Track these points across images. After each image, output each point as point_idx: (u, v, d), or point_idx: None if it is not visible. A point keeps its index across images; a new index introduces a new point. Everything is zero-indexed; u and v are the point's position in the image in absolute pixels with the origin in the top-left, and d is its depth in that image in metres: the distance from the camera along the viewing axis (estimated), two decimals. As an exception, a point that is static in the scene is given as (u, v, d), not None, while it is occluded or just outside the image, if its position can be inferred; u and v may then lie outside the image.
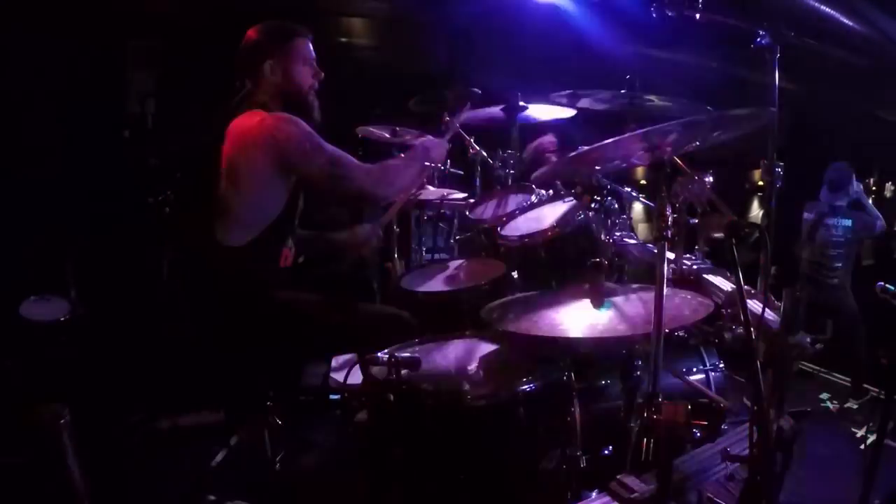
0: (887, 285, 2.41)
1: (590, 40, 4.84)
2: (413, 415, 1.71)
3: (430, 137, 2.52)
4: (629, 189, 2.66)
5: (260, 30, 2.19)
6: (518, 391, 1.71)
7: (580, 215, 2.30)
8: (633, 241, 2.44)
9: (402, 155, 2.47)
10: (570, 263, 2.22)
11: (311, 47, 2.24)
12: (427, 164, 2.37)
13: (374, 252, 2.91)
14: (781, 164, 2.42)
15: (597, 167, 1.98)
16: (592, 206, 2.36)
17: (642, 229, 4.47)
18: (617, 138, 1.45)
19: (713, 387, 2.14)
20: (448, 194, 3.65)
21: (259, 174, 2.07)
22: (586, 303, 1.76)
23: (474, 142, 3.62)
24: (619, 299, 1.79)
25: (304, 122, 2.12)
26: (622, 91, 2.68)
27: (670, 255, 2.16)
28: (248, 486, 2.20)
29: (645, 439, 1.23)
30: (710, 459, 1.50)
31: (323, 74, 2.25)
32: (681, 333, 2.22)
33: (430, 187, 3.76)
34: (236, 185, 2.10)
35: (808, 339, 1.64)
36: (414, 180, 2.40)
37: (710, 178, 2.22)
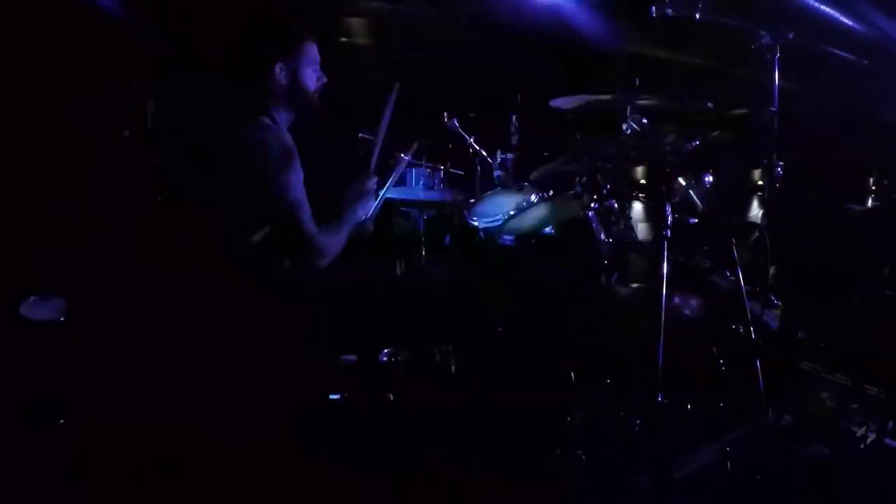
0: (885, 290, 2.44)
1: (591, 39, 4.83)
2: (413, 414, 1.71)
3: (352, 187, 2.32)
4: (629, 188, 2.66)
5: (270, 32, 2.21)
6: (518, 390, 1.72)
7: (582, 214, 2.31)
8: (633, 241, 2.44)
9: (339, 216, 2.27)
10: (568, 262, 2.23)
11: (317, 50, 2.25)
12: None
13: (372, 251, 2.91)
14: (781, 163, 2.43)
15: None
16: (592, 205, 2.37)
17: (642, 229, 4.46)
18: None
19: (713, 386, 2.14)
20: (448, 195, 3.65)
21: (251, 180, 2.08)
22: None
23: (474, 142, 3.62)
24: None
25: (293, 151, 2.10)
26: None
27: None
28: (249, 486, 2.20)
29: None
30: (710, 459, 1.51)
31: (326, 79, 2.26)
32: (680, 332, 2.23)
33: (431, 187, 3.77)
34: (235, 186, 2.10)
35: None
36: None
37: (710, 178, 2.23)
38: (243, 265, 2.11)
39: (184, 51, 4.63)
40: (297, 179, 2.08)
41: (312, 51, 2.23)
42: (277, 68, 2.15)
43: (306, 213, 2.10)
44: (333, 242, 2.19)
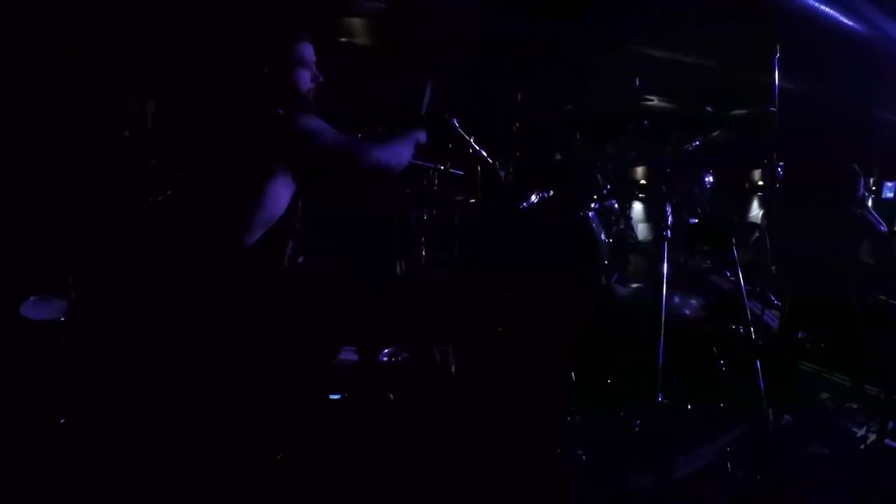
0: (880, 297, 2.45)
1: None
2: (412, 414, 1.71)
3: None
4: (629, 189, 2.66)
5: (258, 34, 2.17)
6: (518, 391, 1.72)
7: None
8: (633, 241, 2.44)
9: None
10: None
11: (311, 50, 2.20)
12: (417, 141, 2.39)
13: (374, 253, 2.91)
14: (781, 163, 2.43)
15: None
16: (592, 205, 2.37)
17: (642, 229, 4.47)
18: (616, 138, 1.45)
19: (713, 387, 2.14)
20: (448, 195, 3.65)
21: (267, 173, 2.06)
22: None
23: (474, 142, 3.62)
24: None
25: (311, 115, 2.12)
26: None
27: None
28: (249, 486, 2.20)
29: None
30: (710, 459, 1.50)
31: (322, 79, 2.22)
32: (681, 333, 2.22)
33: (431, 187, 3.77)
34: (241, 185, 2.09)
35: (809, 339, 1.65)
36: (409, 156, 2.38)
37: (710, 178, 2.23)
38: (240, 265, 2.10)
39: (182, 50, 4.64)
40: (328, 128, 2.10)
41: (305, 51, 2.18)
42: (267, 70, 2.12)
43: (355, 140, 2.18)
44: (399, 147, 2.27)
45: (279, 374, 2.21)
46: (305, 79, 2.19)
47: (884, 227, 4.68)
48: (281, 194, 2.12)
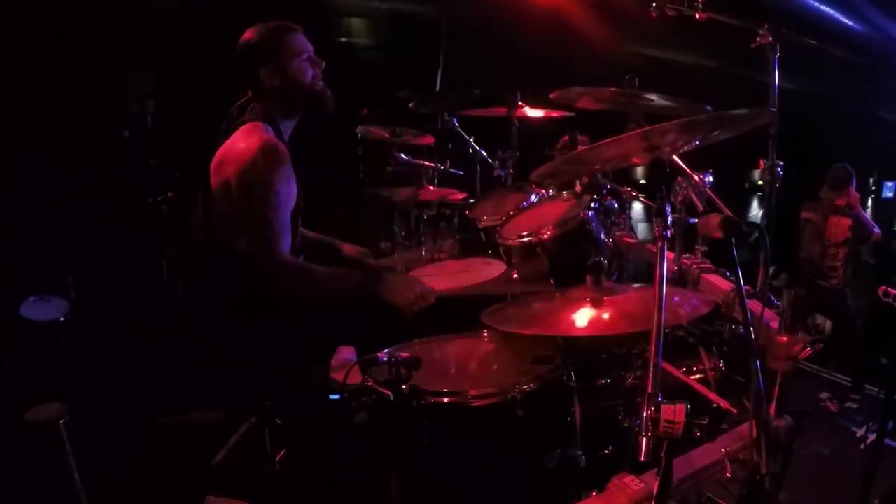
0: (889, 289, 2.43)
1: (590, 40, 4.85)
2: (413, 415, 1.71)
3: (409, 276, 2.21)
4: (629, 188, 2.66)
5: (247, 37, 2.11)
6: (518, 391, 1.71)
7: (579, 215, 2.30)
8: (633, 241, 2.44)
9: (353, 272, 2.18)
10: (569, 263, 2.22)
11: (304, 38, 2.14)
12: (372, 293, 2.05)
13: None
14: (781, 163, 2.43)
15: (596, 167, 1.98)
16: (592, 205, 2.36)
17: (642, 229, 4.47)
18: (616, 137, 1.45)
19: (713, 386, 2.14)
20: (448, 194, 3.66)
21: (231, 187, 2.04)
22: (586, 302, 1.76)
23: (474, 142, 3.62)
24: (619, 297, 1.79)
25: (282, 169, 2.00)
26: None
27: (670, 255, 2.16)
28: (248, 486, 2.20)
29: (644, 439, 1.22)
30: (710, 459, 1.50)
31: (324, 63, 2.16)
32: (680, 333, 2.22)
33: (431, 187, 3.77)
34: (227, 193, 2.06)
35: (808, 340, 1.64)
36: (341, 297, 2.09)
37: (710, 178, 2.22)
38: (237, 263, 2.08)
39: (182, 50, 4.65)
40: (275, 197, 1.96)
41: (297, 41, 2.11)
42: (263, 72, 2.08)
43: (285, 240, 2.00)
44: (313, 287, 2.03)
45: (279, 374, 2.21)
46: (305, 69, 2.13)
47: (876, 230, 4.65)
48: None
